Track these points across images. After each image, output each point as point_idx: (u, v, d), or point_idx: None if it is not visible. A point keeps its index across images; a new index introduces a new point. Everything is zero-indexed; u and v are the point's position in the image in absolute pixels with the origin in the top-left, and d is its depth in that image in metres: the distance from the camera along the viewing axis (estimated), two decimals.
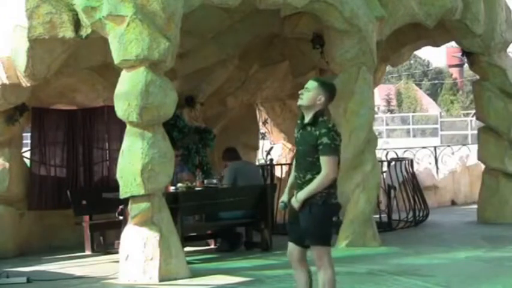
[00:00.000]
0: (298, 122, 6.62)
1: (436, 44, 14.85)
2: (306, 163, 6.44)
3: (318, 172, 6.37)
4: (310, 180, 6.40)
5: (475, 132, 21.50)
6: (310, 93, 6.47)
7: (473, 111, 33.22)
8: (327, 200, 6.43)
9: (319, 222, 6.43)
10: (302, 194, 6.38)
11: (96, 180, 12.26)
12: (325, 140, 6.33)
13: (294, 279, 6.74)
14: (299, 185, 6.49)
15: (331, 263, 6.51)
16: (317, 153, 6.36)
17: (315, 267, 6.53)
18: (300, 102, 6.51)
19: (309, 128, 6.46)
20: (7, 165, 11.30)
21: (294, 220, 6.54)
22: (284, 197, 6.70)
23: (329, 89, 6.53)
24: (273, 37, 13.34)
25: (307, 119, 6.49)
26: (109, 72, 10.99)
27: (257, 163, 14.90)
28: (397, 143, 32.02)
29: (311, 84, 6.52)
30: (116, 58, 9.02)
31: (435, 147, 18.88)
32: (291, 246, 6.60)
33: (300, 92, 6.53)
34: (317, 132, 6.38)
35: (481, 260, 10.07)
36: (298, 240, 6.53)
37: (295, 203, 6.43)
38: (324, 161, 6.33)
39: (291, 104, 15.16)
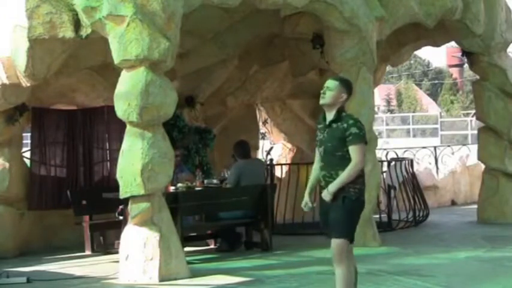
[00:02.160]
0: (320, 125, 6.74)
1: (436, 44, 14.85)
2: (335, 159, 6.54)
3: (347, 166, 6.48)
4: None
5: (475, 132, 21.52)
6: (332, 92, 6.63)
7: (473, 111, 33.23)
8: (360, 196, 6.57)
9: (350, 216, 6.53)
10: (333, 186, 6.48)
11: (96, 180, 12.26)
12: (353, 130, 6.50)
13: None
14: (329, 183, 6.57)
15: (352, 259, 6.56)
16: (346, 146, 6.49)
17: (333, 260, 6.55)
18: (322, 101, 6.67)
19: (334, 125, 6.60)
20: (7, 165, 11.29)
21: (325, 215, 6.63)
22: (306, 198, 6.77)
23: (349, 86, 6.76)
24: (273, 37, 13.34)
25: (330, 117, 6.63)
26: (109, 72, 10.99)
27: None
28: (397, 143, 32.03)
29: (332, 83, 6.68)
30: (116, 58, 9.02)
31: (435, 147, 18.89)
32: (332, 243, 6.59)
33: (321, 92, 6.67)
34: (344, 125, 6.53)
35: (481, 260, 10.07)
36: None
37: (327, 195, 6.50)
38: (354, 149, 6.48)
39: (291, 104, 15.16)
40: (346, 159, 6.50)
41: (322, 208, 6.70)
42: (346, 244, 6.53)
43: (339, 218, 6.49)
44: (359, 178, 6.58)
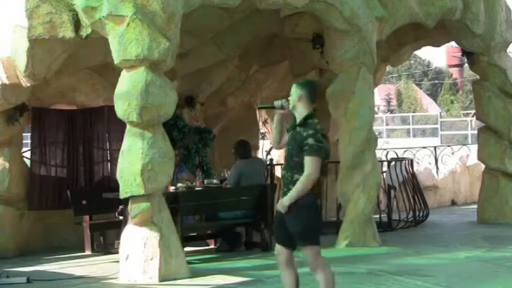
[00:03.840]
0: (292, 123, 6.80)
1: (436, 44, 14.86)
2: (293, 163, 6.59)
3: (302, 173, 6.50)
4: (297, 180, 6.51)
5: (475, 132, 21.51)
6: (292, 98, 6.72)
7: (473, 111, 33.21)
8: (313, 199, 6.58)
9: (309, 223, 6.54)
10: (287, 200, 6.51)
11: (96, 180, 12.26)
12: (310, 141, 6.50)
13: (282, 281, 6.79)
14: (286, 184, 6.61)
15: (326, 262, 6.60)
16: (302, 153, 6.51)
17: (310, 268, 6.59)
18: (289, 109, 6.75)
19: (298, 129, 6.63)
20: (7, 165, 11.29)
21: (281, 221, 6.63)
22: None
23: (306, 87, 6.72)
24: (273, 37, 13.34)
25: (297, 120, 6.68)
26: (109, 72, 10.99)
27: None
28: (397, 143, 32.02)
29: (292, 89, 6.77)
30: (116, 58, 9.02)
31: (435, 147, 18.88)
32: (278, 248, 6.70)
33: (287, 99, 6.76)
34: (305, 134, 6.55)
35: (481, 260, 10.07)
36: (287, 242, 6.63)
37: (282, 208, 6.54)
38: (307, 161, 6.49)
39: None
40: (301, 165, 6.51)
41: (276, 218, 6.79)
42: (316, 249, 6.56)
43: (299, 229, 6.51)
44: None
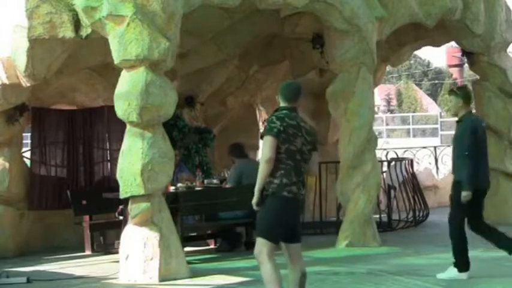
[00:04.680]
0: None
1: (436, 44, 14.85)
2: None
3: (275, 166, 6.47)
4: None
5: None
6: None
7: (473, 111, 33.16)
8: (279, 191, 6.49)
9: (265, 213, 6.51)
10: (256, 193, 6.52)
11: (96, 180, 12.26)
12: (265, 125, 6.64)
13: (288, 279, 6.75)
14: None
15: (269, 259, 6.48)
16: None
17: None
18: None
19: None
20: (7, 165, 11.29)
21: None
22: None
23: (280, 90, 6.80)
24: (273, 37, 13.34)
25: None
26: (109, 72, 10.99)
27: None
28: (397, 143, 32.01)
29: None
30: (116, 58, 9.02)
31: (435, 147, 18.89)
32: (283, 246, 6.71)
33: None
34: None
35: (480, 260, 10.06)
36: (288, 237, 6.63)
37: (253, 199, 6.55)
38: (262, 142, 6.57)
39: None
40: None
41: None
42: (263, 242, 6.50)
43: (258, 217, 6.56)
44: (277, 171, 6.50)
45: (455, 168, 8.97)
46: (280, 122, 6.54)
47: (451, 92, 8.98)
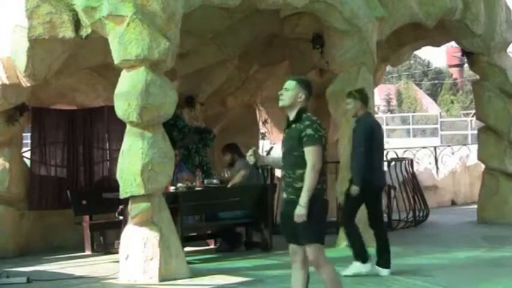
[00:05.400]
0: (284, 127, 6.72)
1: (436, 44, 14.86)
2: (292, 158, 6.50)
3: (305, 166, 6.41)
4: (300, 175, 6.42)
5: (475, 132, 21.51)
6: (290, 93, 6.60)
7: (473, 111, 33.21)
8: (320, 196, 6.47)
9: (316, 219, 6.43)
10: (303, 199, 6.36)
11: (96, 180, 12.26)
12: (308, 131, 6.44)
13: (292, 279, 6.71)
14: (289, 183, 6.52)
15: (328, 260, 6.55)
16: (302, 146, 6.44)
17: (313, 267, 6.53)
18: (281, 103, 6.64)
19: (293, 125, 6.56)
20: (7, 165, 11.29)
21: (288, 221, 6.51)
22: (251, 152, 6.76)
23: (307, 86, 6.67)
24: (273, 37, 13.34)
25: (291, 118, 6.60)
26: (109, 72, 10.99)
27: None
28: (397, 143, 32.02)
29: (290, 84, 6.65)
30: (116, 58, 9.02)
31: (435, 147, 18.88)
32: (294, 247, 6.59)
33: (279, 93, 6.64)
34: (301, 126, 6.48)
35: (481, 260, 10.08)
36: (299, 240, 6.53)
37: (302, 209, 6.37)
38: (308, 151, 6.42)
39: None
40: (302, 159, 6.43)
41: (284, 216, 6.63)
42: (320, 247, 6.48)
43: (306, 224, 6.40)
44: (319, 177, 6.47)
45: (350, 165, 9.40)
46: (323, 129, 6.55)
47: (350, 94, 9.42)
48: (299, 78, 6.86)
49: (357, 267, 9.09)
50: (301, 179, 6.42)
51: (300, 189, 6.40)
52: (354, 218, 9.34)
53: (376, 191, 9.28)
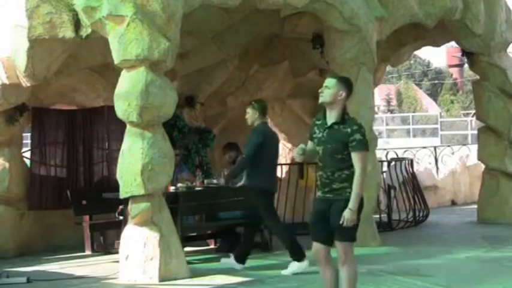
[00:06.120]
0: (318, 121, 6.71)
1: (436, 44, 14.85)
2: (333, 161, 6.52)
3: (347, 168, 6.47)
4: (340, 177, 6.49)
5: (475, 132, 21.50)
6: (330, 90, 6.62)
7: (473, 111, 33.22)
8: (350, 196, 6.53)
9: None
10: (353, 203, 6.43)
11: (96, 180, 12.25)
12: (358, 136, 6.48)
13: (322, 279, 6.79)
14: (327, 184, 6.55)
15: (354, 258, 6.62)
16: (347, 150, 6.48)
17: (338, 262, 6.60)
18: (321, 99, 6.66)
19: (336, 126, 6.57)
20: (7, 165, 11.29)
21: (320, 219, 6.59)
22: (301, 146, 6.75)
23: (348, 84, 6.72)
24: (273, 37, 13.33)
25: (332, 117, 6.60)
26: (109, 72, 10.99)
27: None
28: (397, 143, 32.02)
29: (330, 81, 6.68)
30: (116, 58, 9.02)
31: (435, 147, 18.89)
32: (318, 246, 6.64)
33: (320, 91, 6.67)
34: (348, 130, 6.51)
35: (481, 260, 10.08)
36: (327, 239, 6.59)
37: (351, 214, 6.42)
38: (358, 156, 6.47)
39: (291, 104, 15.15)
40: (346, 162, 6.48)
41: (316, 215, 6.67)
42: (351, 244, 6.59)
43: (340, 224, 6.48)
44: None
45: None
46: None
47: (249, 104, 10.15)
48: (340, 76, 6.94)
49: (296, 266, 9.29)
50: (340, 180, 6.50)
51: (338, 190, 6.50)
52: (276, 217, 9.87)
53: (270, 195, 9.85)
